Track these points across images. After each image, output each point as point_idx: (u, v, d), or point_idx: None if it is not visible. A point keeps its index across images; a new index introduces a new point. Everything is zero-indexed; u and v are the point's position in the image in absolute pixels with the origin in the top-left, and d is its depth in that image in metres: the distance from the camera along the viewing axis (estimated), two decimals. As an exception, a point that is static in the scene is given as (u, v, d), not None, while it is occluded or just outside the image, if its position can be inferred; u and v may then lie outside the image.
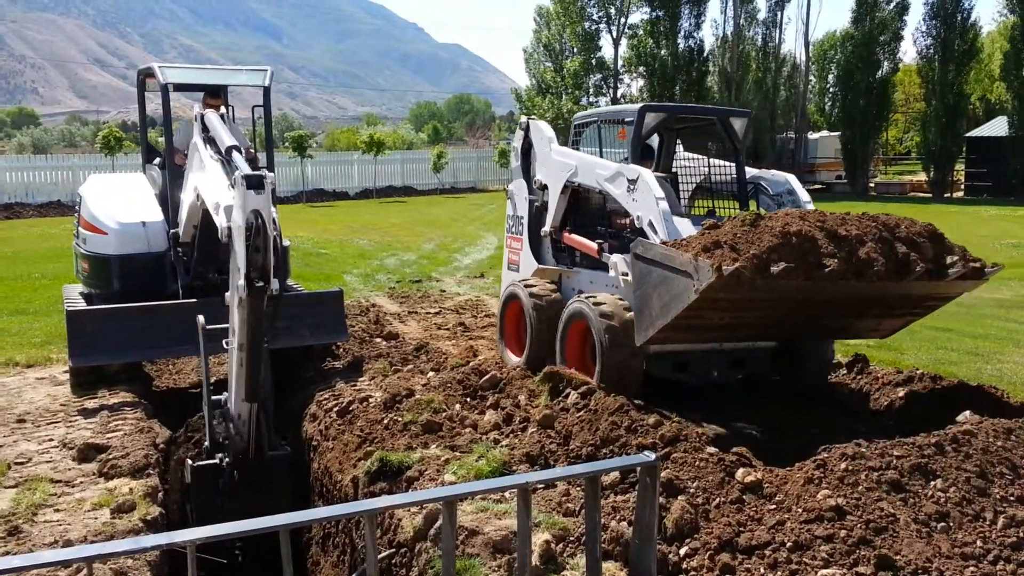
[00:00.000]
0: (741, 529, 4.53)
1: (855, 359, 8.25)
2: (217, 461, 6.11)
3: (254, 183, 5.09)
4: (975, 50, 40.53)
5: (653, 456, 3.62)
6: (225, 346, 5.80)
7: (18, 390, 8.16)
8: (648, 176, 7.12)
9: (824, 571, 4.07)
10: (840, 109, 45.39)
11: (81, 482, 5.93)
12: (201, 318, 6.28)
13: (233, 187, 5.26)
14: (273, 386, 6.76)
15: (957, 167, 41.91)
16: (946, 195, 39.71)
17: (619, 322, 6.82)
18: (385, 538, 5.41)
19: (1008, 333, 10.68)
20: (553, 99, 45.41)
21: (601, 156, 8.39)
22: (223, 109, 8.00)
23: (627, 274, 6.83)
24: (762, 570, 4.21)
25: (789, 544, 4.29)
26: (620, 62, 46.78)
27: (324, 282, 13.75)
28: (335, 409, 7.57)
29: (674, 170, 8.99)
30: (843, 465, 4.77)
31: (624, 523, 4.72)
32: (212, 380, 6.46)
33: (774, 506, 4.68)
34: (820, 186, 43.14)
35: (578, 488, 5.21)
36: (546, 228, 8.67)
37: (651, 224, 6.91)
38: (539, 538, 4.60)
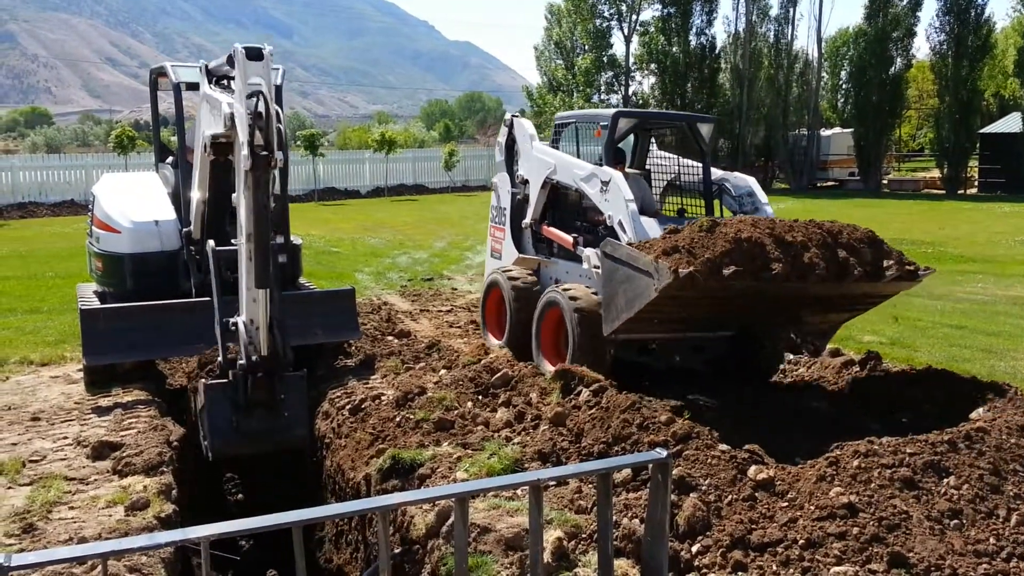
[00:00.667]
0: (753, 526, 4.53)
1: (867, 356, 8.21)
2: (230, 378, 6.06)
3: (253, 53, 5.20)
4: (989, 46, 40.21)
5: (665, 453, 3.62)
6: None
7: (32, 388, 8.22)
8: (619, 179, 7.75)
9: (837, 568, 4.07)
10: (853, 106, 45.10)
11: (95, 479, 5.96)
12: (211, 242, 6.31)
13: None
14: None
15: (971, 163, 41.60)
16: (960, 192, 39.46)
17: (588, 311, 7.43)
18: (398, 535, 5.43)
19: (1022, 330, 10.63)
20: (564, 97, 45.43)
21: (578, 153, 9.29)
22: None
23: (598, 267, 7.30)
24: (774, 567, 4.21)
25: (801, 541, 4.28)
26: (631, 59, 46.77)
27: (336, 280, 13.77)
28: (347, 407, 7.59)
29: (647, 167, 9.76)
30: (856, 462, 4.76)
31: (636, 520, 4.72)
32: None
33: (786, 503, 4.68)
34: (833, 183, 42.96)
35: (590, 485, 5.22)
36: (527, 220, 9.36)
37: (621, 224, 7.56)
38: (551, 535, 4.61)
